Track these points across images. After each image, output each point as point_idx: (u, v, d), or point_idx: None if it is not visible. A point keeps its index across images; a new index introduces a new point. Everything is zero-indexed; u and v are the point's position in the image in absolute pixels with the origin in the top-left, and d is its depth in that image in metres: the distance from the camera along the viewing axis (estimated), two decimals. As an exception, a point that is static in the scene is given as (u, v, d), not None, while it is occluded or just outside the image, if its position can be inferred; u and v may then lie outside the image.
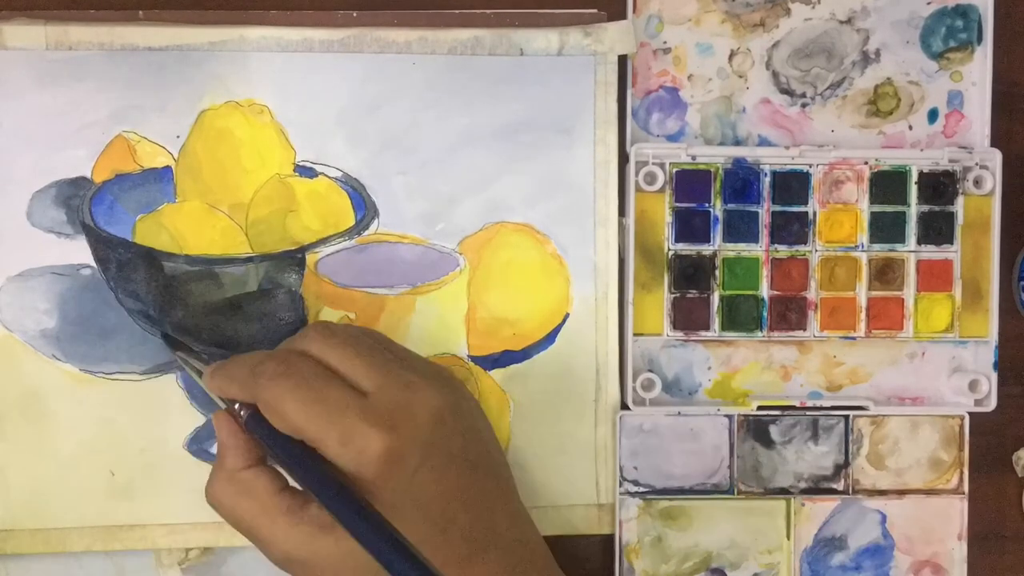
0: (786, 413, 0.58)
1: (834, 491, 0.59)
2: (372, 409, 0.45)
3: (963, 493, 0.59)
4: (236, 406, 0.48)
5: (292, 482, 0.47)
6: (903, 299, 0.58)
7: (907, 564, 0.59)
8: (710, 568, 0.58)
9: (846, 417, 0.58)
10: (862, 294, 0.58)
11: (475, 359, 0.57)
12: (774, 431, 0.58)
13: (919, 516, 0.59)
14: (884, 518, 0.59)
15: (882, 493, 0.59)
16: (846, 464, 0.59)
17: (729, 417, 0.58)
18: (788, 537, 0.58)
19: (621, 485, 0.58)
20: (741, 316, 0.57)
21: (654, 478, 0.58)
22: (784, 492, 0.58)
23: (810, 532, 0.59)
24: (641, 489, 0.58)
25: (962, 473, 0.59)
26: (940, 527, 0.59)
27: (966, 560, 0.59)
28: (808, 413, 0.58)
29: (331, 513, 0.44)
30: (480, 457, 0.49)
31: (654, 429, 0.58)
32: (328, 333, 0.48)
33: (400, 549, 0.41)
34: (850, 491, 0.59)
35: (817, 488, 0.59)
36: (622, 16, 0.57)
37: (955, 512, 0.59)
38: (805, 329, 0.58)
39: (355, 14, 0.55)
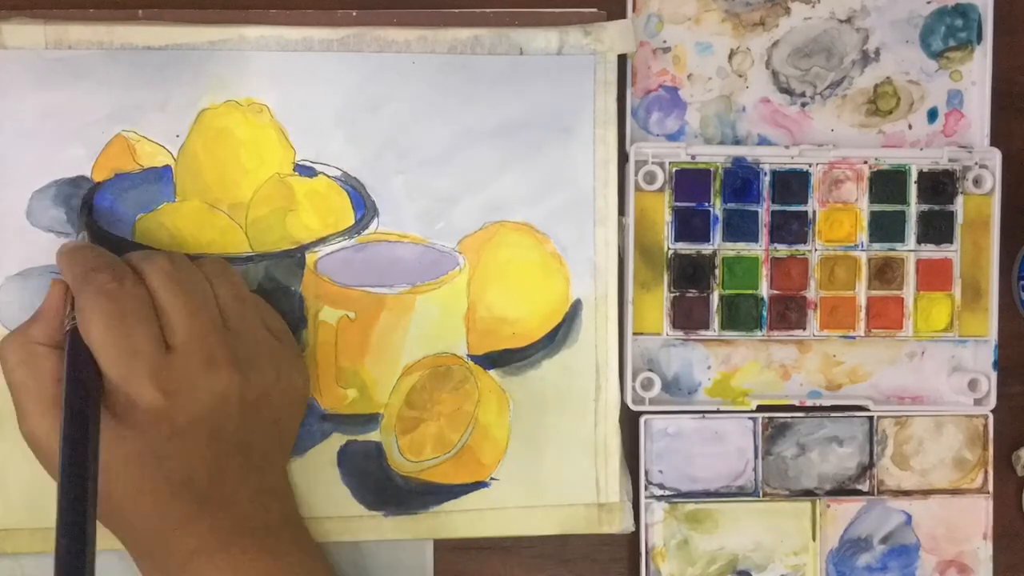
0: (810, 415, 0.58)
1: (859, 492, 0.59)
2: (163, 369, 0.47)
3: (988, 492, 0.59)
4: (68, 312, 0.49)
5: None
6: (903, 298, 0.58)
7: (932, 564, 0.59)
8: (736, 571, 0.58)
9: (871, 418, 0.58)
10: (862, 293, 0.58)
11: (475, 358, 0.57)
12: (799, 433, 0.58)
13: (944, 516, 0.59)
14: (909, 518, 0.59)
15: (907, 493, 0.59)
16: (871, 465, 0.59)
17: (754, 419, 0.58)
18: (814, 539, 0.58)
19: (646, 489, 0.58)
20: (741, 315, 0.57)
21: (679, 481, 0.58)
22: (809, 494, 0.58)
23: (836, 533, 0.59)
24: (666, 493, 0.58)
25: (986, 472, 0.59)
26: (965, 526, 0.59)
27: (991, 559, 0.59)
28: (832, 415, 0.58)
29: (63, 434, 0.45)
30: (248, 442, 0.50)
31: (679, 432, 0.58)
32: (170, 275, 0.49)
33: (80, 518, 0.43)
34: (875, 492, 0.59)
35: (842, 489, 0.59)
36: (622, 15, 0.57)
37: (980, 511, 0.59)
38: (805, 328, 0.58)
39: (355, 13, 0.55)
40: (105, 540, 0.55)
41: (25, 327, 0.50)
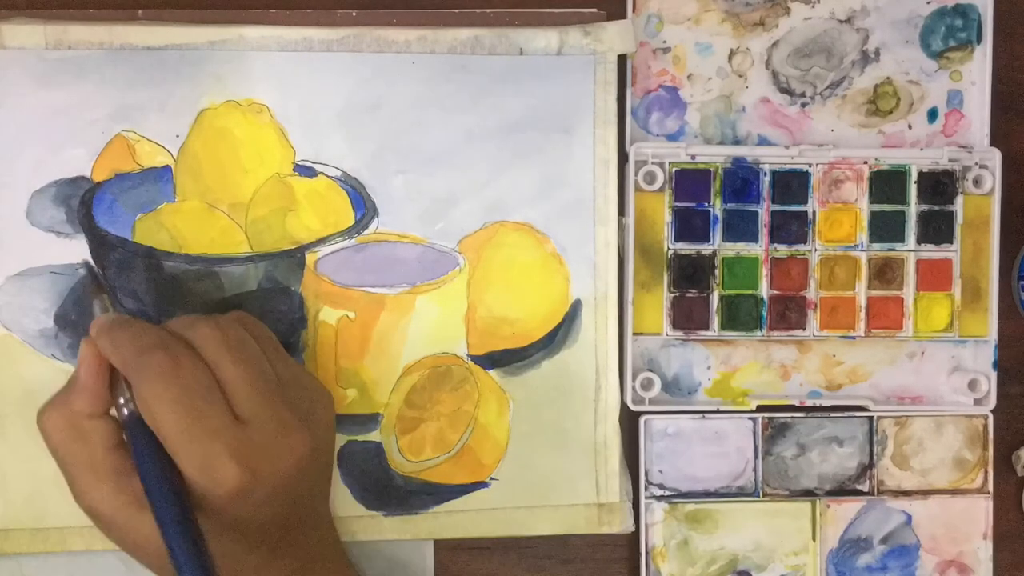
0: (810, 415, 0.58)
1: (859, 492, 0.59)
2: (241, 443, 0.45)
3: (988, 492, 0.59)
4: (121, 400, 0.47)
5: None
6: (903, 298, 0.58)
7: (932, 564, 0.59)
8: (736, 571, 0.58)
9: (871, 418, 0.58)
10: (861, 293, 0.58)
11: (475, 358, 0.57)
12: (799, 433, 0.58)
13: (944, 516, 0.59)
14: (909, 518, 0.59)
15: (907, 494, 0.59)
16: (871, 465, 0.59)
17: (754, 420, 0.58)
18: (814, 539, 0.58)
19: (646, 489, 0.58)
20: (741, 315, 0.57)
21: (679, 481, 0.58)
22: (809, 494, 0.58)
23: (836, 533, 0.59)
24: (666, 493, 0.58)
25: (986, 473, 0.59)
26: (965, 526, 0.59)
27: (991, 559, 0.59)
28: (832, 415, 0.58)
29: (164, 537, 0.44)
30: (312, 489, 0.51)
31: (679, 432, 0.58)
32: (223, 343, 0.47)
33: None
34: (875, 492, 0.59)
35: (842, 489, 0.59)
36: (622, 15, 0.57)
37: (980, 511, 0.59)
38: (804, 328, 0.58)
39: (355, 13, 0.55)
40: (104, 541, 0.56)
41: (64, 398, 0.47)
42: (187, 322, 0.49)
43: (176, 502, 0.45)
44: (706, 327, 0.57)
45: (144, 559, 0.47)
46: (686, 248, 0.57)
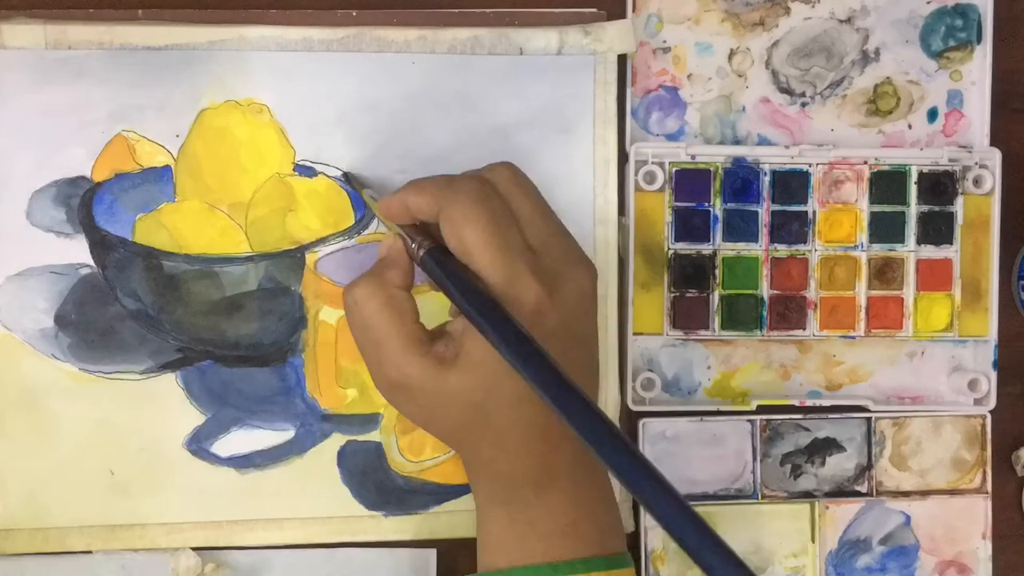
0: (808, 417, 0.58)
1: (858, 493, 0.59)
2: (538, 265, 0.47)
3: (986, 492, 0.59)
4: (413, 244, 0.49)
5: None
6: (903, 298, 0.58)
7: (932, 564, 0.59)
8: None
9: (868, 419, 0.58)
10: (862, 293, 0.58)
11: (475, 358, 0.57)
12: (796, 435, 0.58)
13: (943, 516, 0.59)
14: (908, 519, 0.59)
15: (906, 494, 0.59)
16: (869, 466, 0.59)
17: (751, 422, 0.58)
18: (813, 540, 0.58)
19: None
20: (741, 315, 0.57)
21: (678, 484, 0.57)
22: (808, 496, 0.58)
23: (835, 535, 0.59)
24: None
25: (985, 472, 0.59)
26: (964, 526, 0.59)
27: (991, 559, 0.59)
28: (830, 416, 0.58)
29: (501, 346, 0.45)
30: (590, 340, 0.51)
31: (676, 436, 0.58)
32: (517, 178, 0.50)
33: (569, 387, 0.44)
34: (874, 493, 0.59)
35: (841, 491, 0.59)
36: (622, 15, 0.57)
37: (979, 511, 0.59)
38: (804, 328, 0.58)
39: (354, 13, 0.55)
40: (104, 541, 0.56)
41: (378, 274, 0.49)
42: (485, 167, 0.51)
43: (496, 306, 0.46)
44: (706, 327, 0.57)
45: (448, 421, 0.49)
46: (686, 248, 0.57)
